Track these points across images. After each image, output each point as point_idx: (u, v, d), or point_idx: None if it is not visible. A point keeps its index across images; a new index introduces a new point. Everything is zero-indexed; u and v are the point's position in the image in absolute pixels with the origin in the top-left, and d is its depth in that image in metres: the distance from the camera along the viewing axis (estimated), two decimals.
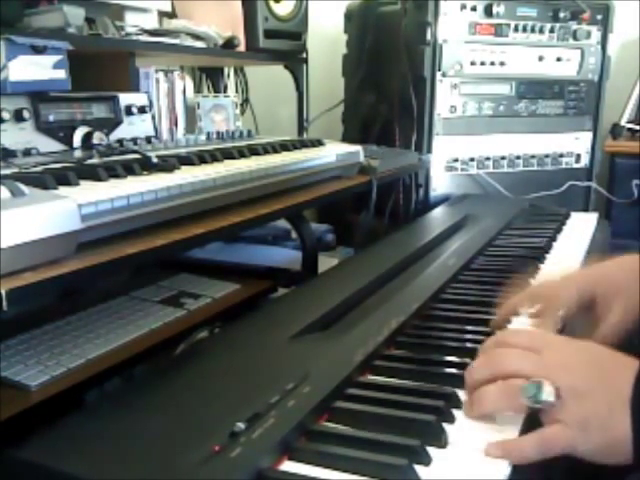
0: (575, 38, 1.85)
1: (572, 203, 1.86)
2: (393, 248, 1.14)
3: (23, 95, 1.02)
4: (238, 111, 1.75)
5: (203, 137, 1.28)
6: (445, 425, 0.55)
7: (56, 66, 1.03)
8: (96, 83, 1.22)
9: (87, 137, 1.10)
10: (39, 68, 1.00)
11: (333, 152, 1.22)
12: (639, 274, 0.76)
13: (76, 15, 1.08)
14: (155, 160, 0.87)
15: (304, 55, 1.77)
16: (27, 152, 0.98)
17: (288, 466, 0.50)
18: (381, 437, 0.53)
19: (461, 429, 0.56)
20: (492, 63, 1.78)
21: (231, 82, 1.97)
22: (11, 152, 0.94)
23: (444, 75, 1.72)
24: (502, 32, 1.76)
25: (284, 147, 1.15)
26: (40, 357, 0.86)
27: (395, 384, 0.64)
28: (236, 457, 0.48)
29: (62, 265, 0.65)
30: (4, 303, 0.57)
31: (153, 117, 1.29)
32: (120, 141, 1.13)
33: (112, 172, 0.80)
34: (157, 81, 1.46)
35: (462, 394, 0.61)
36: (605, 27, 1.88)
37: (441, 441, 0.53)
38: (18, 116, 0.99)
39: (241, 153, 1.03)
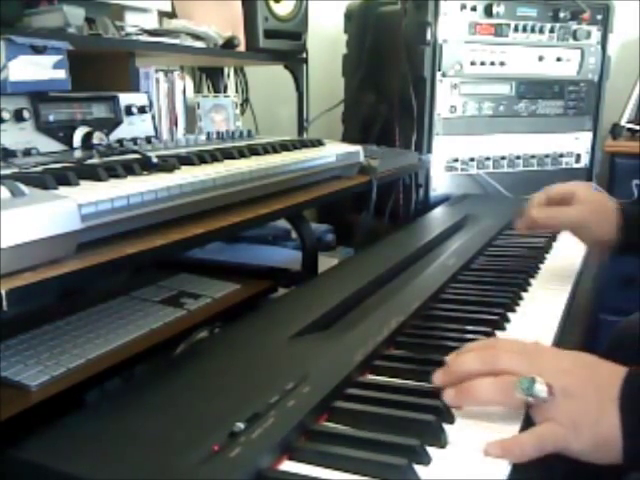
0: (575, 38, 1.85)
1: None
2: (393, 248, 1.14)
3: (23, 95, 1.01)
4: (238, 111, 1.75)
5: (203, 137, 1.28)
6: (445, 425, 0.56)
7: (56, 66, 1.03)
8: (96, 83, 1.22)
9: (87, 137, 1.10)
10: (39, 68, 1.00)
11: (333, 152, 1.22)
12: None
13: (76, 15, 1.08)
14: (155, 160, 0.87)
15: (304, 55, 1.76)
16: (27, 152, 0.97)
17: (288, 466, 0.51)
18: (381, 437, 0.53)
19: (461, 429, 0.56)
20: (492, 63, 1.78)
21: (231, 82, 1.96)
22: (11, 152, 0.94)
23: (444, 75, 1.72)
24: (502, 32, 1.76)
25: (284, 147, 1.15)
26: (40, 357, 0.86)
27: (395, 384, 0.64)
28: (236, 457, 0.48)
29: (62, 265, 0.65)
30: (4, 303, 0.57)
31: (153, 117, 1.29)
32: (120, 141, 1.13)
33: (112, 172, 0.80)
34: (157, 81, 1.46)
35: None
36: (605, 27, 1.88)
37: (441, 441, 0.53)
38: (18, 116, 0.99)
39: (241, 153, 1.03)
